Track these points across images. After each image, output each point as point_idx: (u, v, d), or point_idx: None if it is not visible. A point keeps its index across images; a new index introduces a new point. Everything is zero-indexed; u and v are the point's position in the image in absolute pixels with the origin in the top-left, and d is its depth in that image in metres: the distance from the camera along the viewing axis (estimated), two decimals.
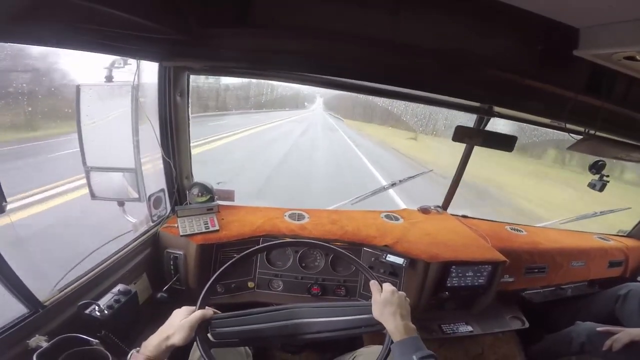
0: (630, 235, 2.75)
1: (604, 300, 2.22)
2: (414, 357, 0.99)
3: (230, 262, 1.20)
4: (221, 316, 1.11)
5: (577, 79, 1.34)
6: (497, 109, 1.88)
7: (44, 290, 1.19)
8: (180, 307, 1.08)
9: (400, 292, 1.17)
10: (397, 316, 1.09)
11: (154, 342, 0.98)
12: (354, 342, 1.61)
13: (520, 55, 1.28)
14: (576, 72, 1.31)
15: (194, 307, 1.06)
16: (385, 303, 1.11)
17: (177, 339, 0.98)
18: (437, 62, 1.28)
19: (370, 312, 1.14)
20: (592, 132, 1.59)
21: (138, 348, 0.99)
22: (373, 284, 1.18)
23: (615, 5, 0.90)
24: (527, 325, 2.16)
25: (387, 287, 1.16)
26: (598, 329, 1.85)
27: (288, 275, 1.84)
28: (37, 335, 1.06)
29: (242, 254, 1.24)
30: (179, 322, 1.00)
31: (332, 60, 1.27)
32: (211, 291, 1.14)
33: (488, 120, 2.05)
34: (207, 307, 1.09)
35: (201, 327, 1.03)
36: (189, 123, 1.77)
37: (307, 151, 13.95)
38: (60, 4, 0.77)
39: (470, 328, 2.05)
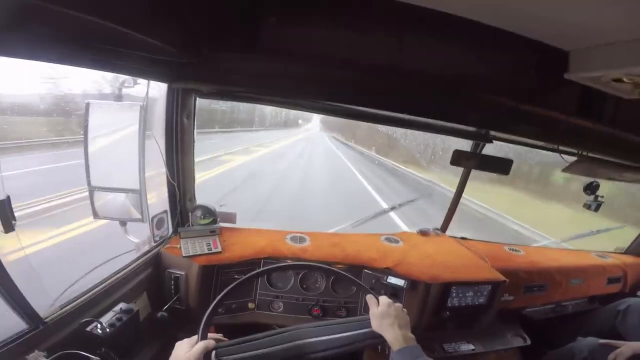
0: (627, 252, 2.79)
1: (605, 316, 2.23)
2: None
3: (227, 289, 1.20)
4: (225, 344, 1.10)
5: (569, 101, 1.38)
6: (493, 133, 1.93)
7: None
8: (179, 326, 1.07)
9: (396, 304, 1.19)
10: (395, 327, 1.11)
11: None
12: None
13: (515, 79, 1.31)
14: (568, 94, 1.35)
15: (195, 338, 1.05)
16: (383, 315, 1.14)
17: None
18: (438, 88, 1.31)
19: (369, 326, 1.16)
20: (584, 153, 1.64)
21: None
22: (369, 298, 1.21)
23: (602, 29, 0.94)
24: (528, 342, 2.14)
25: (383, 300, 1.19)
26: (600, 341, 1.86)
27: (289, 296, 1.84)
28: (36, 350, 1.06)
29: (242, 278, 1.24)
30: (184, 356, 0.99)
31: (337, 87, 1.30)
32: (210, 318, 1.13)
33: (484, 145, 2.10)
34: (209, 336, 1.08)
35: (206, 358, 1.02)
36: (194, 145, 1.79)
37: None
38: (73, 23, 0.80)
39: (472, 347, 2.03)
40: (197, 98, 1.67)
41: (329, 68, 1.25)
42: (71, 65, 1.03)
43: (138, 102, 1.41)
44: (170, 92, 1.58)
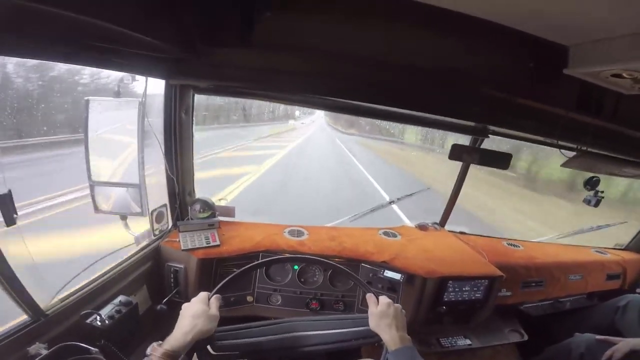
0: (627, 248, 2.77)
1: (603, 312, 2.24)
2: None
3: (249, 266, 1.23)
4: (221, 329, 1.12)
5: (568, 96, 1.37)
6: (491, 127, 1.92)
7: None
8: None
9: (396, 305, 1.20)
10: (393, 328, 1.12)
11: (177, 336, 0.97)
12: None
13: (512, 74, 1.30)
14: (567, 89, 1.34)
15: (202, 297, 1.08)
16: (382, 315, 1.15)
17: (206, 327, 1.01)
18: (432, 81, 1.31)
19: (367, 325, 1.17)
20: (584, 148, 1.63)
21: (160, 342, 0.97)
22: (369, 297, 1.21)
23: (601, 23, 0.93)
24: (525, 338, 2.15)
25: (383, 300, 1.20)
26: (597, 337, 1.86)
27: (287, 290, 1.85)
28: (37, 342, 1.07)
29: (258, 262, 1.29)
30: (206, 314, 1.03)
31: (331, 81, 1.30)
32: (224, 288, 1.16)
33: (483, 140, 2.10)
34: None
35: (200, 342, 1.03)
36: (192, 140, 1.81)
37: None
38: (71, 23, 0.81)
39: (468, 342, 2.05)
40: (196, 94, 1.69)
41: (324, 62, 1.25)
42: (70, 63, 1.05)
43: (137, 98, 1.41)
44: (168, 88, 1.59)
